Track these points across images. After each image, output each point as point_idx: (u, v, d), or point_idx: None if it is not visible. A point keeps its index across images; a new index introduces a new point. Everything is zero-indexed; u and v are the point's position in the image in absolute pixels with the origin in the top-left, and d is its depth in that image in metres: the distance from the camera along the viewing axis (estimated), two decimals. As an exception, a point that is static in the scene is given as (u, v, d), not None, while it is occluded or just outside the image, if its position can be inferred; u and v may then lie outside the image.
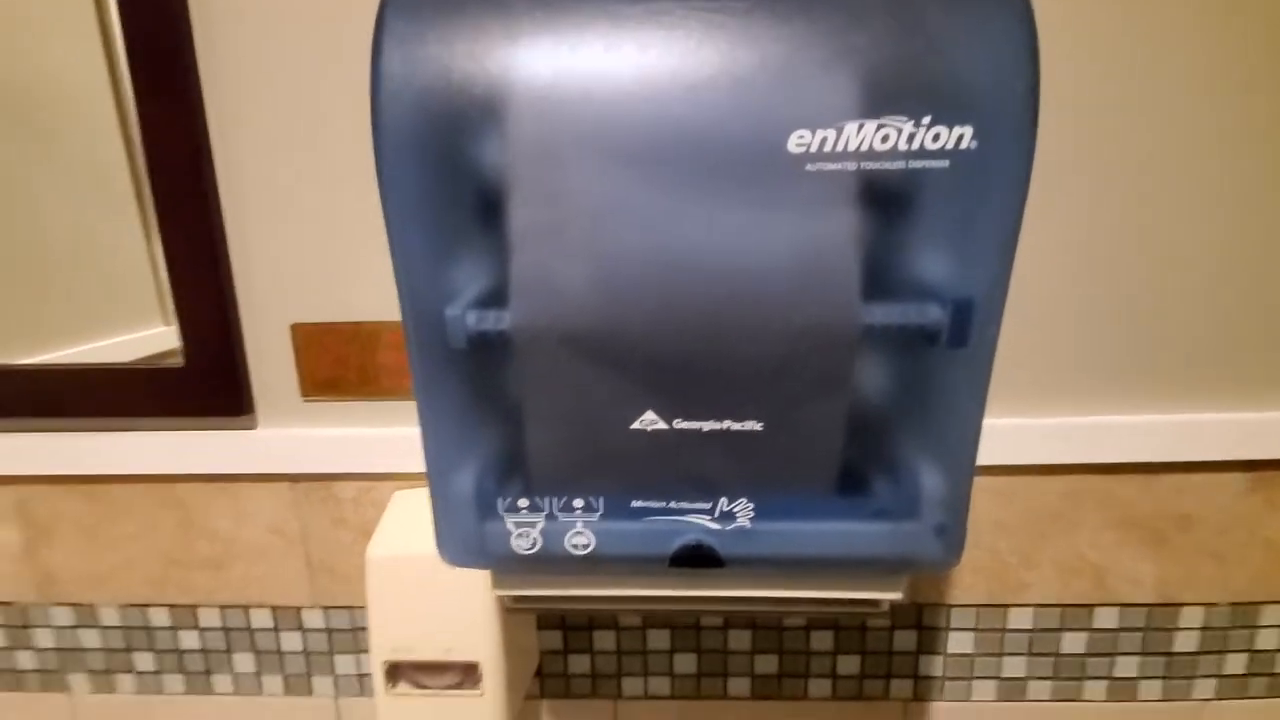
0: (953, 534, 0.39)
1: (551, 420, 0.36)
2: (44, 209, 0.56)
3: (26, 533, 0.62)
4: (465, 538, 0.39)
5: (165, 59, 0.51)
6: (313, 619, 0.62)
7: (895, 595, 0.41)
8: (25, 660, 0.65)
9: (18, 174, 0.56)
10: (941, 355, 0.35)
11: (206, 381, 0.56)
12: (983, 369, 0.36)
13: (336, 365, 0.56)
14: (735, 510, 0.38)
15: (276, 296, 0.55)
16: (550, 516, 0.38)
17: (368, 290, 0.55)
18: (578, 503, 0.38)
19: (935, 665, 0.61)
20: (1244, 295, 0.52)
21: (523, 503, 0.38)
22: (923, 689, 0.62)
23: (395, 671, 0.54)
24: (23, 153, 0.55)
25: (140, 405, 0.57)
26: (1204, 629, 0.59)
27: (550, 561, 0.39)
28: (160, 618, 0.63)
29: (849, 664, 0.61)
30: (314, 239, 0.54)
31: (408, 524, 0.54)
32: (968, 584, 0.59)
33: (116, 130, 0.54)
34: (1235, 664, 0.60)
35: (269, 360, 0.57)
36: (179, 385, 0.56)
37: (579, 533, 0.38)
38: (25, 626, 0.64)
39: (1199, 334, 0.53)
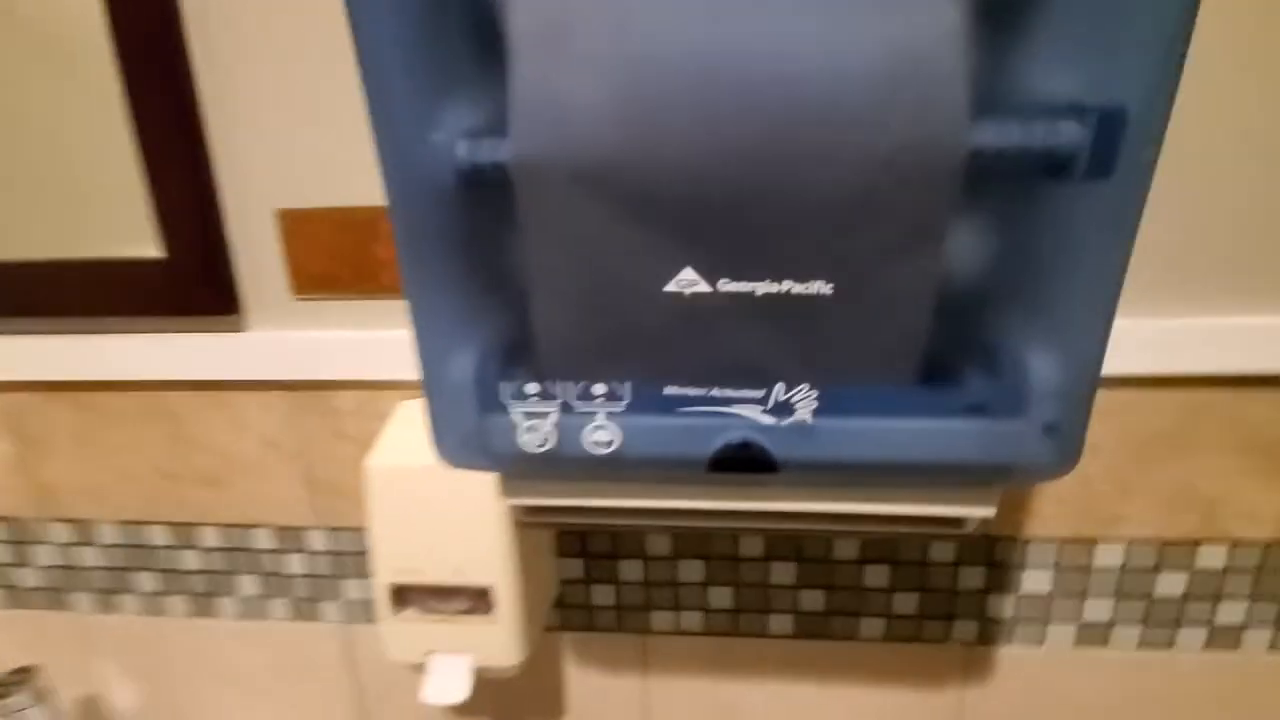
0: (1068, 435, 0.31)
1: (565, 283, 0.29)
2: (30, 112, 0.49)
3: (18, 444, 0.58)
4: (464, 433, 0.33)
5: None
6: (316, 540, 0.57)
7: (986, 511, 0.33)
8: (28, 578, 0.63)
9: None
10: (1075, 193, 0.27)
11: (188, 275, 0.50)
12: (1131, 212, 0.27)
13: (329, 258, 0.50)
14: (793, 400, 0.30)
15: (260, 178, 0.49)
16: (566, 407, 0.31)
17: (361, 172, 0.48)
18: (599, 390, 0.31)
19: (1005, 606, 0.54)
20: None
21: (532, 389, 0.31)
22: (989, 632, 0.55)
23: (401, 595, 0.49)
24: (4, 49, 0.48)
25: (119, 302, 0.52)
26: (1331, 572, 0.51)
27: (566, 463, 0.33)
28: (159, 536, 0.59)
29: (906, 603, 0.54)
30: (302, 113, 0.47)
31: (413, 435, 0.48)
32: (1049, 515, 0.51)
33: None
34: (1366, 613, 0.51)
35: (255, 252, 0.50)
36: (159, 280, 0.51)
37: (600, 427, 0.32)
38: (25, 542, 0.61)
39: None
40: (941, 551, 0.53)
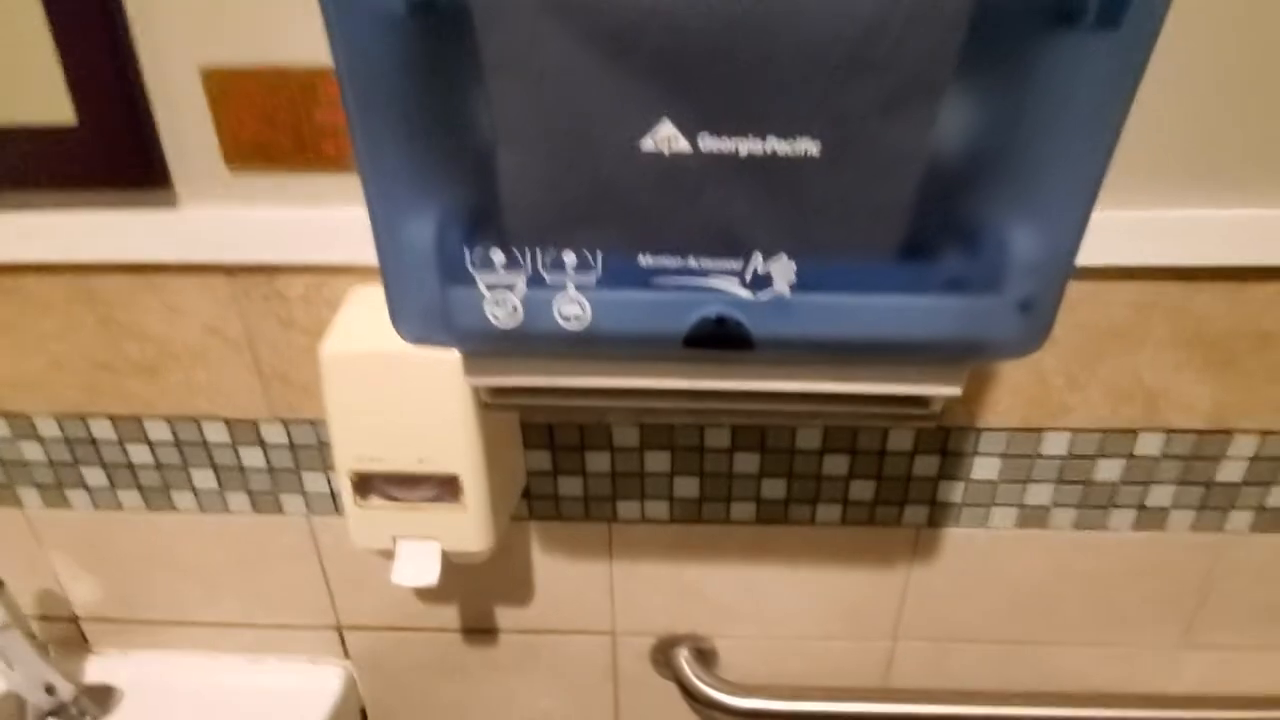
0: (1041, 312, 0.31)
1: (532, 135, 0.27)
2: None
3: (-68, 333, 0.54)
4: (426, 306, 0.31)
5: None
6: (273, 433, 0.56)
7: (953, 390, 0.34)
8: (-36, 474, 0.60)
9: None
10: (1077, 48, 0.25)
11: (105, 141, 0.45)
12: (1133, 71, 0.26)
13: (263, 125, 0.45)
14: (772, 272, 0.29)
15: (181, 30, 0.43)
16: (534, 277, 0.30)
17: (299, 23, 0.42)
18: (569, 258, 0.29)
19: (955, 491, 0.56)
20: None
21: (497, 257, 0.29)
22: (938, 515, 0.58)
23: (365, 484, 0.48)
24: None
25: (30, 174, 0.46)
26: (1254, 458, 0.54)
27: (534, 339, 0.31)
28: (102, 429, 0.57)
29: (863, 489, 0.56)
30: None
31: (370, 320, 0.46)
32: (1003, 406, 0.53)
33: None
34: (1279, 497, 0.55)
35: (180, 117, 0.45)
36: (73, 149, 0.45)
37: (571, 300, 0.30)
38: (-46, 438, 0.58)
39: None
40: (900, 441, 0.55)
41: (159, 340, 0.53)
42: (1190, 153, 0.44)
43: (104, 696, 0.65)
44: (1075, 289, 0.48)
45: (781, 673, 0.65)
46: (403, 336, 0.32)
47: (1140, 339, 0.50)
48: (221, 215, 0.47)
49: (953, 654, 0.63)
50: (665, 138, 0.26)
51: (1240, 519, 0.56)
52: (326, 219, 0.47)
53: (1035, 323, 0.31)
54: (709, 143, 0.26)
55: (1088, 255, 0.45)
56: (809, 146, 0.26)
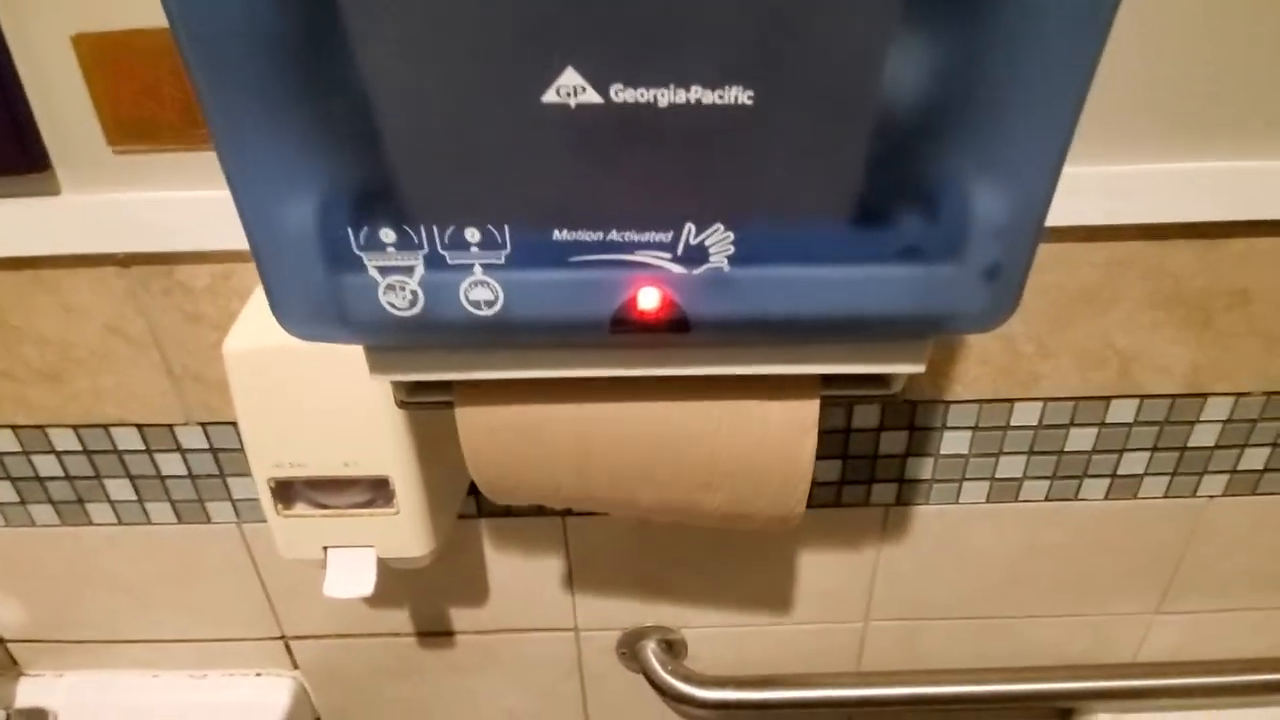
0: (1008, 279, 0.28)
1: (417, 91, 0.23)
2: None
3: None
4: (313, 298, 0.27)
5: None
6: (191, 438, 0.51)
7: (916, 368, 0.31)
8: None
9: None
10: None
11: (-39, 120, 0.40)
12: (1104, 11, 0.22)
13: (147, 98, 0.40)
14: (707, 243, 0.26)
15: (42, -12, 0.38)
16: (433, 258, 0.26)
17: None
18: (472, 234, 0.25)
19: (924, 468, 0.54)
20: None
21: (388, 236, 0.25)
22: (907, 494, 0.55)
23: (287, 492, 0.44)
24: None
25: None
26: (1228, 421, 0.52)
27: (441, 329, 0.27)
28: (6, 441, 0.52)
29: (828, 470, 0.54)
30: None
31: (279, 313, 0.42)
32: (972, 377, 0.50)
33: None
34: (1254, 459, 0.54)
35: (55, 93, 0.40)
36: (-73, 128, 0.40)
37: (479, 283, 0.26)
38: None
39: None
40: (865, 418, 0.52)
41: (58, 344, 0.48)
42: (1159, 104, 0.41)
43: (38, 719, 0.61)
44: (1043, 251, 0.45)
45: (752, 661, 0.62)
46: (290, 332, 0.28)
47: (1112, 300, 0.47)
48: (108, 200, 0.42)
49: (925, 633, 0.62)
50: (570, 88, 0.22)
51: (1213, 483, 0.55)
52: (227, 201, 0.42)
53: (1002, 292, 0.28)
54: (624, 95, 0.22)
55: (1055, 215, 0.42)
56: (740, 95, 0.22)
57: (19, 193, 0.43)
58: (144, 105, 0.40)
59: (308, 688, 0.63)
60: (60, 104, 0.40)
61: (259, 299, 0.43)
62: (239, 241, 0.43)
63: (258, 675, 0.62)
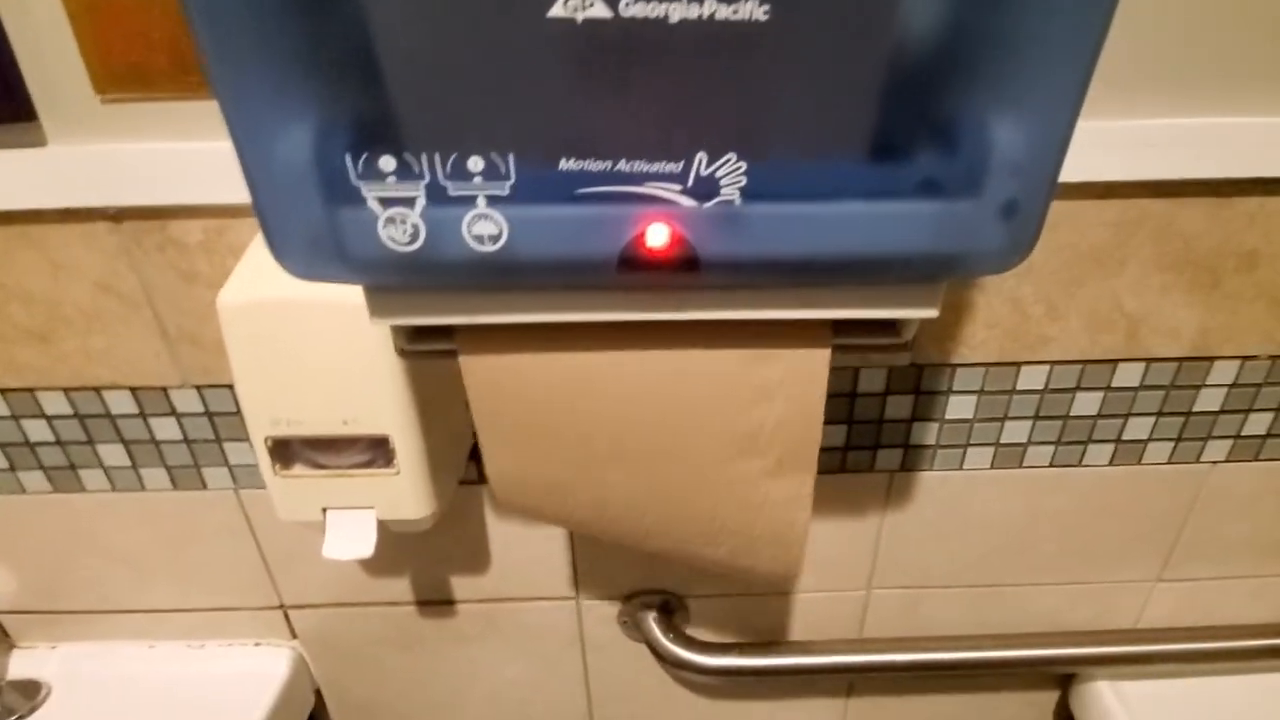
0: (1026, 217, 0.27)
1: (416, 6, 0.22)
2: None
3: None
4: (311, 232, 0.26)
5: None
6: (186, 401, 0.50)
7: (929, 312, 0.30)
8: None
9: None
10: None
11: (-58, 64, 0.38)
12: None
13: (136, 44, 0.39)
14: (719, 174, 0.25)
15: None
16: (435, 190, 0.25)
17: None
18: (475, 164, 0.24)
19: (929, 433, 0.54)
20: None
21: (387, 164, 0.24)
22: (912, 459, 0.55)
23: (284, 451, 0.43)
24: None
25: None
26: (1233, 385, 0.52)
27: (443, 267, 0.27)
28: (-7, 406, 0.51)
29: (834, 435, 0.53)
30: None
31: (276, 266, 0.40)
32: (979, 340, 0.50)
33: None
34: (1257, 424, 0.54)
35: (42, 40, 0.39)
36: (-94, 74, 0.39)
37: (482, 215, 0.25)
38: None
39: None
40: (871, 382, 0.51)
41: (47, 302, 0.47)
42: (1173, 58, 0.40)
43: (31, 691, 0.61)
44: (1056, 209, 0.45)
45: (754, 628, 0.62)
46: (287, 271, 0.27)
47: (1122, 261, 0.47)
48: (97, 152, 0.41)
49: (927, 601, 0.62)
50: (578, 3, 0.21)
51: (1217, 449, 0.55)
52: (220, 152, 0.41)
53: (1019, 231, 0.27)
54: (632, 7, 0.21)
55: (1069, 171, 0.42)
56: (755, 10, 0.21)
57: (3, 143, 0.41)
58: (133, 51, 0.39)
59: (307, 658, 0.63)
60: (45, 49, 0.39)
61: (255, 252, 0.42)
62: (233, 195, 0.42)
63: (256, 645, 0.62)
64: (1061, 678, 0.65)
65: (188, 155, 0.41)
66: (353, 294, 0.37)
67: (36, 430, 0.52)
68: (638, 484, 0.36)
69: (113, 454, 0.52)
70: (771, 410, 0.34)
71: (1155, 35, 0.40)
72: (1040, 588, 0.61)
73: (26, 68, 0.40)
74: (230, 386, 0.50)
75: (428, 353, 0.33)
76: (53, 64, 0.39)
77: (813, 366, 0.33)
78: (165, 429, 0.51)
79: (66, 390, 0.50)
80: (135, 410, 0.51)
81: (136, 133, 0.41)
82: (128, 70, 0.40)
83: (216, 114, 0.40)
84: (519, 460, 0.37)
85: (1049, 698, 0.68)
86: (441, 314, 0.30)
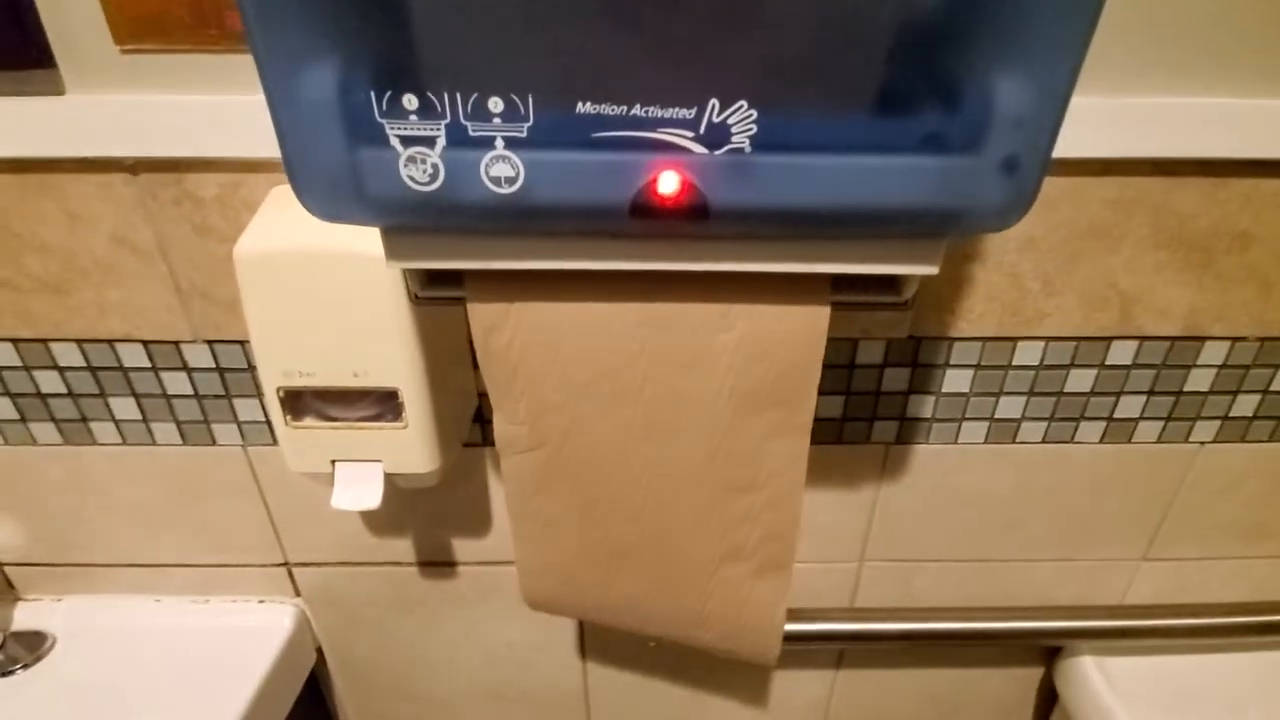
0: (1026, 173, 0.28)
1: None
2: None
3: None
4: (333, 171, 0.27)
5: None
6: (198, 356, 0.51)
7: (930, 268, 0.31)
8: None
9: None
10: None
11: (-33, 10, 0.39)
12: None
13: (158, -7, 0.39)
14: (730, 122, 0.26)
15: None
16: (454, 128, 0.26)
17: None
18: (495, 104, 0.25)
19: (925, 406, 0.55)
20: None
21: (410, 102, 0.25)
22: (907, 432, 0.56)
23: (296, 403, 0.44)
24: None
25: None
26: (1223, 366, 0.53)
27: (459, 207, 0.27)
28: (6, 355, 0.51)
29: (831, 406, 0.54)
30: None
31: (290, 218, 0.41)
32: (978, 314, 0.51)
33: None
34: (1245, 405, 0.55)
35: (60, -14, 0.39)
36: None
37: (500, 157, 0.26)
38: None
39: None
40: (869, 354, 0.52)
41: (62, 253, 0.48)
42: (1173, 36, 0.41)
43: (35, 642, 0.62)
44: (1054, 186, 0.46)
45: (748, 597, 0.63)
46: (310, 210, 0.28)
47: (1119, 239, 0.48)
48: (115, 102, 0.42)
49: (919, 574, 0.63)
50: (600, -55, 0.22)
51: (1205, 429, 0.56)
52: (238, 106, 0.42)
53: (1020, 186, 0.28)
54: (652, -48, 0.22)
55: (1068, 147, 0.43)
56: (769, -43, 0.22)
57: (22, 90, 0.42)
58: (153, 2, 0.40)
59: (309, 615, 0.64)
60: (67, 1, 0.40)
61: (270, 206, 0.43)
62: (250, 149, 0.43)
63: (260, 602, 0.63)
64: (1046, 653, 0.67)
65: (205, 108, 0.42)
66: (367, 247, 0.38)
67: (49, 381, 0.52)
68: (640, 581, 0.45)
69: (124, 407, 0.53)
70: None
71: (1157, 12, 0.41)
72: (1030, 564, 0.63)
73: (46, 15, 0.40)
74: (241, 342, 0.51)
75: (441, 299, 0.34)
76: (73, 12, 0.40)
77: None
78: (176, 383, 0.52)
79: (80, 342, 0.51)
80: (147, 363, 0.51)
81: (155, 84, 0.42)
82: (147, 21, 0.40)
83: (235, 68, 0.41)
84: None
85: (1034, 674, 0.69)
86: (456, 258, 0.30)
